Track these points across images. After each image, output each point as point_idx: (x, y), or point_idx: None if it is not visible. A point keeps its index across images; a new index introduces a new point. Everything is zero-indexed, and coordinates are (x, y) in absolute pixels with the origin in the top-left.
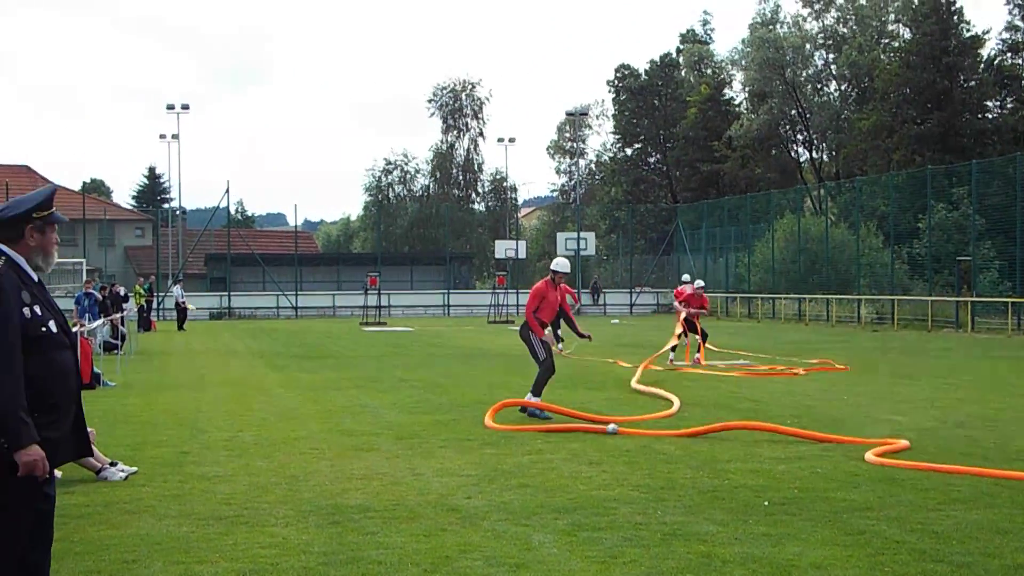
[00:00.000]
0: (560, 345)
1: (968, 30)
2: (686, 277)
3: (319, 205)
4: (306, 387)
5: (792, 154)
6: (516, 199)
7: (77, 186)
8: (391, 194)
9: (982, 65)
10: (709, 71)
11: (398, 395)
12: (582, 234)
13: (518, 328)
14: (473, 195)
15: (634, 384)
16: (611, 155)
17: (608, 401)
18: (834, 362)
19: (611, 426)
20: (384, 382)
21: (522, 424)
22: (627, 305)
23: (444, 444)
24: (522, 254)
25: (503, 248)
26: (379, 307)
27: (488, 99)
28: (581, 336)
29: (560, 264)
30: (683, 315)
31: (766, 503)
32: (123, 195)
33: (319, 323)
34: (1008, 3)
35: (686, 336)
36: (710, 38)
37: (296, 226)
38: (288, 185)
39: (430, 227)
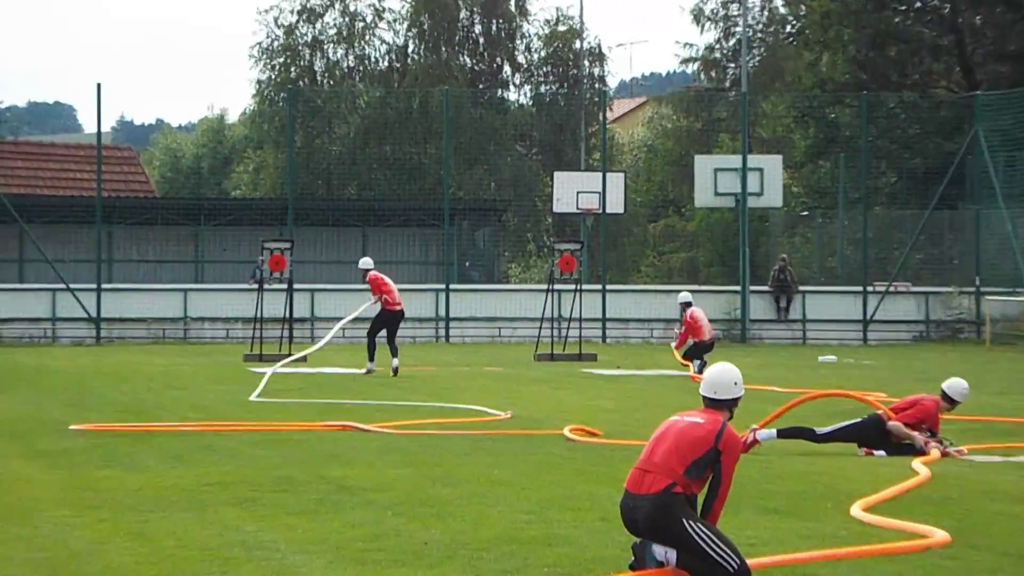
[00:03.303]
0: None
1: None
2: (685, 296)
3: (152, 89)
4: (118, 502)
5: None
6: (604, 81)
7: None
8: (319, 63)
9: None
10: None
11: (334, 521)
12: (752, 159)
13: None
14: (507, 69)
15: (858, 510)
16: None
17: (816, 540)
18: None
19: None
20: (300, 490)
21: None
22: (855, 323)
23: None
24: (616, 205)
25: (572, 189)
26: (290, 320)
27: None
28: None
29: (958, 389)
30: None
31: None
32: None
33: (151, 354)
34: None
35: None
36: None
37: (100, 135)
38: (82, 48)
39: (406, 141)
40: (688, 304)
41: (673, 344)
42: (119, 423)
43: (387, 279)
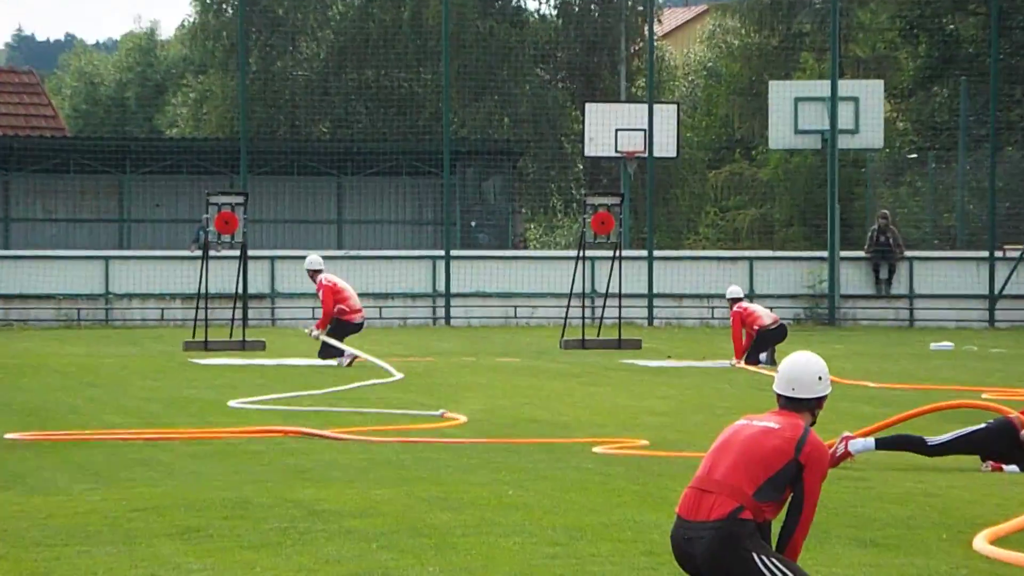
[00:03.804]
0: None
1: None
2: (735, 291)
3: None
4: (21, 534)
5: None
6: None
7: None
8: None
9: None
10: None
11: (302, 555)
12: (845, 85)
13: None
14: None
15: (982, 543)
16: None
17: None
18: None
19: None
20: (259, 516)
21: None
22: (979, 299)
23: None
24: (666, 147)
25: (609, 126)
26: (244, 296)
27: None
28: None
29: None
30: None
31: None
32: None
33: (63, 342)
34: None
35: None
36: None
37: None
38: None
39: (394, 65)
40: (736, 300)
41: (733, 361)
42: (21, 431)
43: (342, 283)
